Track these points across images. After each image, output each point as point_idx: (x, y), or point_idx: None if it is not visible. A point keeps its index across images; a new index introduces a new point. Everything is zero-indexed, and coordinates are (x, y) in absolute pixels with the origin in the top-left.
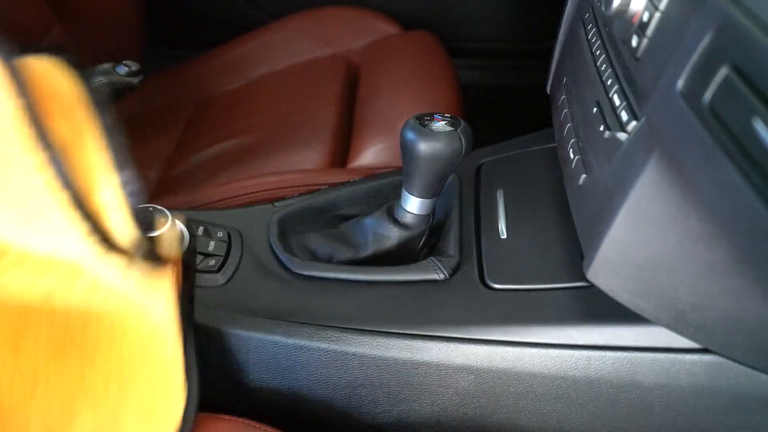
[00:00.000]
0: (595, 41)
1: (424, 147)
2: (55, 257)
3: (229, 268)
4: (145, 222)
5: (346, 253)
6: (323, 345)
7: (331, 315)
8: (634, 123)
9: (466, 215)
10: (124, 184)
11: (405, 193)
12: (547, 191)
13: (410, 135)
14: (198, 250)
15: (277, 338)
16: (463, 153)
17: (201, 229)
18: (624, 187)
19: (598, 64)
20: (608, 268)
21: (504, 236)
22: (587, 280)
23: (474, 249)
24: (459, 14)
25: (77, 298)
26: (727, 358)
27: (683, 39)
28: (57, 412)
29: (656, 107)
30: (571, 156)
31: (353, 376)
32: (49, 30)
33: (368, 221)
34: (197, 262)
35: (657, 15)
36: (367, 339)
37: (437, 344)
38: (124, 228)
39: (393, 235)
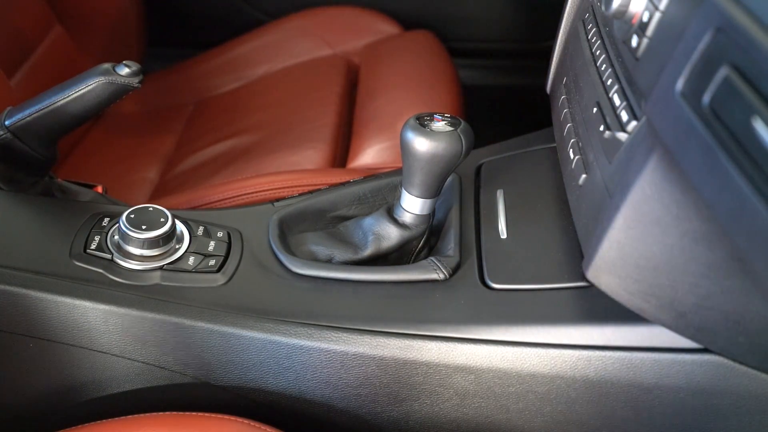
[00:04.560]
0: (595, 41)
1: (424, 147)
2: None
3: (229, 268)
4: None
5: (346, 253)
6: (323, 345)
7: (331, 315)
8: (634, 123)
9: (466, 215)
10: None
11: (405, 193)
12: (547, 191)
13: (410, 135)
14: (198, 250)
15: (277, 338)
16: (463, 153)
17: (201, 229)
18: (624, 187)
19: (598, 64)
20: (608, 268)
21: (504, 236)
22: (587, 280)
23: (474, 249)
24: (459, 14)
25: None
26: (728, 358)
27: (683, 39)
28: None
29: (656, 107)
30: (571, 156)
31: (353, 376)
32: (49, 30)
33: (368, 221)
34: (197, 262)
35: (657, 15)
36: (367, 339)
37: (437, 344)
38: None
39: (393, 235)
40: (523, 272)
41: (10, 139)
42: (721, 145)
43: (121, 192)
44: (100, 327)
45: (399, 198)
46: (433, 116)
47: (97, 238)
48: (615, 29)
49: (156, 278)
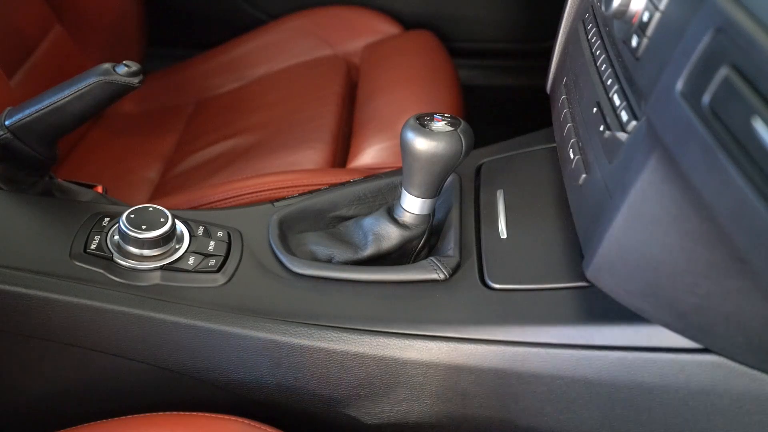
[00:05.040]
0: (595, 41)
1: (424, 147)
2: None
3: (229, 268)
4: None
5: (346, 253)
6: (323, 345)
7: (331, 315)
8: (634, 123)
9: (466, 215)
10: None
11: (405, 193)
12: (547, 191)
13: (410, 135)
14: (198, 250)
15: (277, 338)
16: (463, 153)
17: (201, 229)
18: (624, 187)
19: (598, 64)
20: (608, 268)
21: (504, 236)
22: (587, 280)
23: (474, 249)
24: (459, 14)
25: None
26: (728, 358)
27: (683, 39)
28: None
29: (656, 107)
30: (571, 156)
31: (353, 376)
32: (49, 30)
33: (368, 221)
34: (197, 262)
35: (657, 15)
36: (367, 339)
37: (437, 344)
38: None
39: (393, 235)
40: (523, 272)
41: (10, 139)
42: (721, 145)
43: (121, 192)
44: (101, 327)
45: (399, 198)
46: (433, 116)
47: (97, 238)
48: (615, 29)
49: (156, 278)
